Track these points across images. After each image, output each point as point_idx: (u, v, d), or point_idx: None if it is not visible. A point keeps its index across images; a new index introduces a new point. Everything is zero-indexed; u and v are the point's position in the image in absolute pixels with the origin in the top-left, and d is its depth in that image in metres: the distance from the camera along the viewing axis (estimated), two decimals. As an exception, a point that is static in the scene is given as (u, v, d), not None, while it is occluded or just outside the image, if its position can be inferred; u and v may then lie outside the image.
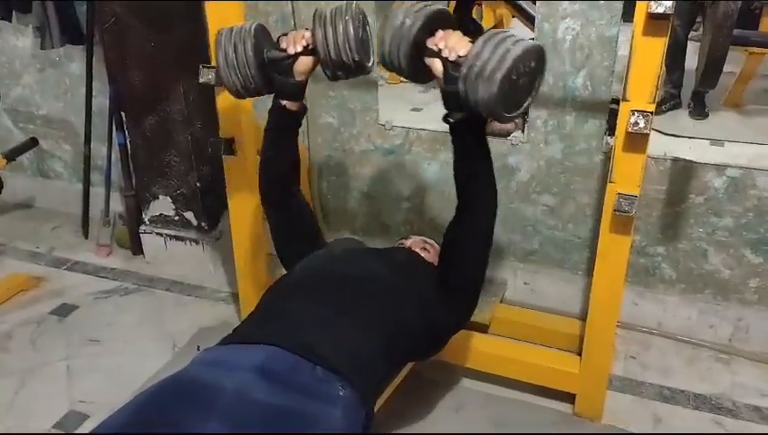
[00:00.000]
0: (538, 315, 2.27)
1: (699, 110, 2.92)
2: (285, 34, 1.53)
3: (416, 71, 1.47)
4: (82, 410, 1.98)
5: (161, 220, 2.68)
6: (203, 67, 1.91)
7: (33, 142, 2.55)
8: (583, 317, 2.00)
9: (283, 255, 1.70)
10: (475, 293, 1.63)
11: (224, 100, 1.92)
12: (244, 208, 2.08)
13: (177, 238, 2.66)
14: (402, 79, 1.55)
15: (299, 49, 1.48)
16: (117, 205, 2.91)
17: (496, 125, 1.81)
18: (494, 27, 3.54)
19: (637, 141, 1.56)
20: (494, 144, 2.21)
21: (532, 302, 2.39)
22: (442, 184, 2.37)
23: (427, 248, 1.84)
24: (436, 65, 1.41)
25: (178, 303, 2.50)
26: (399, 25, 1.41)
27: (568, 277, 2.34)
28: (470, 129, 1.48)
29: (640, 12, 1.44)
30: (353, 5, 1.45)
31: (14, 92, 3.01)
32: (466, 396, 2.01)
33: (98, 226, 2.90)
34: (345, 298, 1.42)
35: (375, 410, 1.37)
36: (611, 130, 2.09)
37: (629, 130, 1.52)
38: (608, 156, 2.13)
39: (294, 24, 2.31)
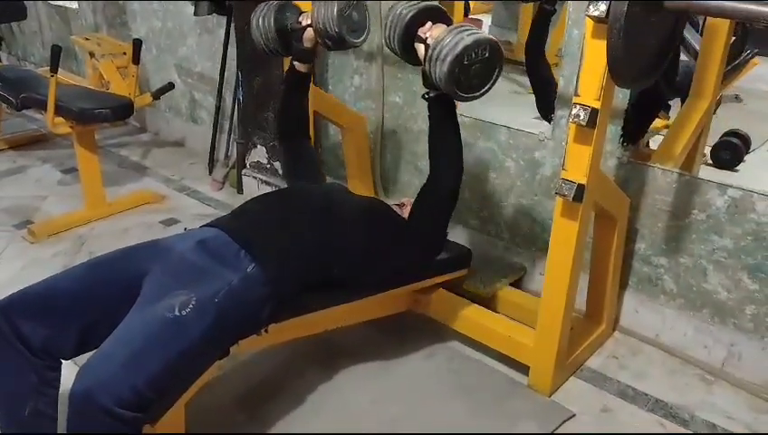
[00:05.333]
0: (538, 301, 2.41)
1: None
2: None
3: (407, 53, 1.80)
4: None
5: (257, 166, 3.22)
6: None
7: (170, 86, 3.21)
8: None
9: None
10: (429, 239, 1.95)
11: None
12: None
13: (267, 183, 3.17)
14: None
15: (308, 22, 1.90)
16: (239, 151, 3.51)
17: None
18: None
19: (581, 134, 1.73)
20: (524, 139, 2.44)
21: (546, 293, 2.52)
22: (479, 169, 2.62)
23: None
24: (421, 50, 1.73)
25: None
26: (397, 14, 1.75)
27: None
28: (441, 105, 1.79)
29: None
30: None
31: (180, 51, 3.75)
32: (441, 350, 2.25)
33: (220, 165, 3.54)
34: (295, 214, 1.80)
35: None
36: (625, 136, 2.22)
37: (571, 120, 1.70)
38: (620, 161, 2.25)
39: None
